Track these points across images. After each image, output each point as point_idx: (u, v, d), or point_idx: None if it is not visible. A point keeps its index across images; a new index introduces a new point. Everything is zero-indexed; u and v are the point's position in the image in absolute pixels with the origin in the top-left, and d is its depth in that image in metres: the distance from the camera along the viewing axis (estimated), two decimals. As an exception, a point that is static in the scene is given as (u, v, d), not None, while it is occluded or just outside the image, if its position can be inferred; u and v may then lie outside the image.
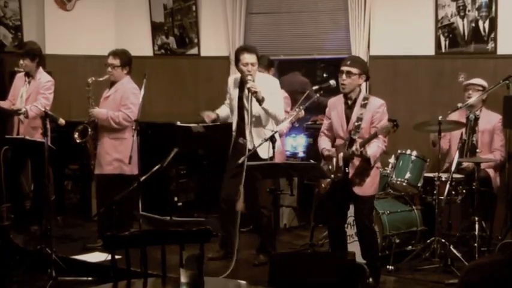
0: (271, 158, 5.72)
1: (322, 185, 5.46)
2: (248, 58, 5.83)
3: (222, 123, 6.48)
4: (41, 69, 6.92)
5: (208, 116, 6.08)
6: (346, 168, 5.19)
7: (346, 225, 5.71)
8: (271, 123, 6.00)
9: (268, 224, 5.92)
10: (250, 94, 5.78)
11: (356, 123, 5.17)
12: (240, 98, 5.98)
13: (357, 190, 5.21)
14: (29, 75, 6.88)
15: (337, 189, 5.29)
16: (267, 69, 6.78)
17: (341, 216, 5.45)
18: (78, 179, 8.05)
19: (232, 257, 5.77)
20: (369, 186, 5.23)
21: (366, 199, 5.26)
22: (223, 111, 6.17)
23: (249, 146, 5.88)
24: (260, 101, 5.77)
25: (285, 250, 6.26)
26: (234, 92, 6.02)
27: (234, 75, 6.05)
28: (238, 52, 5.92)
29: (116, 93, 6.40)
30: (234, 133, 6.03)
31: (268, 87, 5.92)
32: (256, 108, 5.84)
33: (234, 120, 6.03)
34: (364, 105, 5.20)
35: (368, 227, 5.35)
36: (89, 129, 6.38)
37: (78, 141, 6.42)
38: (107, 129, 6.36)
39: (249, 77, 5.77)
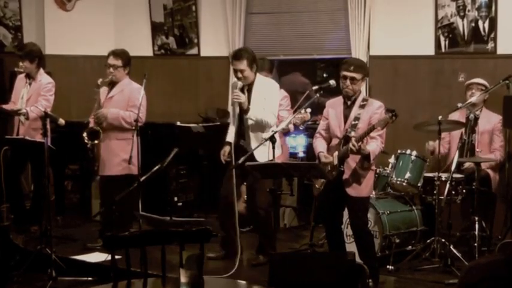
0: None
1: (316, 185, 5.47)
2: (235, 65, 5.89)
3: None
4: (41, 70, 6.91)
5: (224, 153, 6.04)
6: (341, 166, 5.18)
7: (345, 225, 5.72)
8: (267, 131, 5.99)
9: (265, 224, 5.92)
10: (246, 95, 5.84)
11: (353, 122, 5.17)
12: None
13: (351, 191, 5.21)
14: (29, 76, 6.88)
15: (332, 189, 5.29)
16: (270, 71, 6.75)
17: (337, 216, 5.44)
18: (78, 179, 8.06)
19: (235, 258, 5.77)
20: (363, 188, 5.23)
21: (359, 200, 5.25)
22: (231, 134, 6.09)
23: (248, 148, 5.90)
24: (245, 111, 5.83)
25: (285, 250, 6.26)
26: None
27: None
28: (231, 59, 6.00)
29: (122, 94, 6.34)
30: (234, 136, 6.02)
31: (265, 91, 5.95)
32: (254, 112, 5.86)
33: (236, 123, 6.04)
34: (362, 106, 5.21)
35: (363, 228, 5.34)
36: (101, 133, 6.24)
37: (88, 143, 6.23)
38: (113, 131, 6.29)
39: (239, 83, 5.84)
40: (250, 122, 5.90)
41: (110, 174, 6.35)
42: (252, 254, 6.17)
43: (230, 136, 6.09)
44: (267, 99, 5.92)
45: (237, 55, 5.91)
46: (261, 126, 5.90)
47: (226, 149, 6.06)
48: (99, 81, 6.26)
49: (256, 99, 5.89)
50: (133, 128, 5.99)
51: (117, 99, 6.35)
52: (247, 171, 5.63)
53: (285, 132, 6.66)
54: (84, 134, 6.26)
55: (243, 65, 5.84)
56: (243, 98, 5.80)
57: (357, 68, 5.23)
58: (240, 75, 5.86)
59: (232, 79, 6.18)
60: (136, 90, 6.31)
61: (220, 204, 6.09)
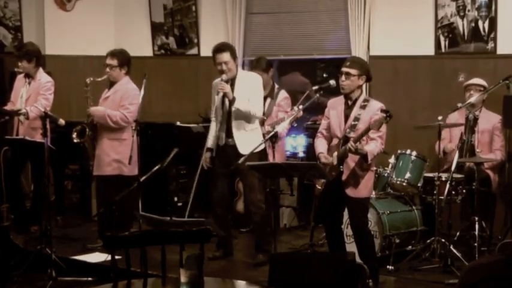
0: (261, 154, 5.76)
1: (318, 186, 5.47)
2: (219, 57, 5.91)
3: None
4: (40, 69, 6.92)
5: (206, 160, 6.14)
6: (341, 167, 5.18)
7: (345, 225, 5.71)
8: (252, 122, 6.02)
9: (260, 220, 5.94)
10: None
11: (353, 123, 5.17)
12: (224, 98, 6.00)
13: (350, 192, 5.20)
14: (29, 76, 6.88)
15: (332, 189, 5.29)
16: (266, 71, 6.74)
17: (337, 216, 5.44)
18: (78, 179, 8.06)
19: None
20: (362, 188, 5.22)
21: (359, 201, 5.25)
22: (211, 139, 6.12)
23: (232, 142, 5.96)
24: (231, 102, 5.86)
25: (285, 250, 6.26)
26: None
27: (218, 78, 6.07)
28: (212, 54, 6.00)
29: (116, 94, 6.38)
30: (217, 133, 6.04)
31: (248, 83, 5.98)
32: (237, 107, 5.88)
33: (218, 121, 6.04)
34: (363, 107, 5.21)
35: (363, 228, 5.34)
36: (87, 130, 6.36)
37: (75, 141, 6.40)
38: (106, 130, 6.33)
39: (223, 76, 5.88)
40: (235, 111, 5.91)
41: (101, 174, 6.39)
42: (251, 253, 6.16)
43: (210, 142, 6.12)
44: (251, 91, 5.95)
45: (220, 48, 5.96)
46: (246, 116, 5.93)
47: (207, 155, 6.13)
48: (88, 80, 6.30)
49: (239, 92, 5.92)
50: (133, 128, 5.99)
51: (111, 99, 6.39)
52: (239, 171, 5.67)
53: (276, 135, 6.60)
54: (74, 135, 6.37)
55: (227, 56, 5.89)
56: (227, 88, 5.83)
57: (352, 64, 5.23)
58: (224, 67, 5.89)
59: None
60: (131, 90, 6.34)
61: (216, 208, 6.10)
